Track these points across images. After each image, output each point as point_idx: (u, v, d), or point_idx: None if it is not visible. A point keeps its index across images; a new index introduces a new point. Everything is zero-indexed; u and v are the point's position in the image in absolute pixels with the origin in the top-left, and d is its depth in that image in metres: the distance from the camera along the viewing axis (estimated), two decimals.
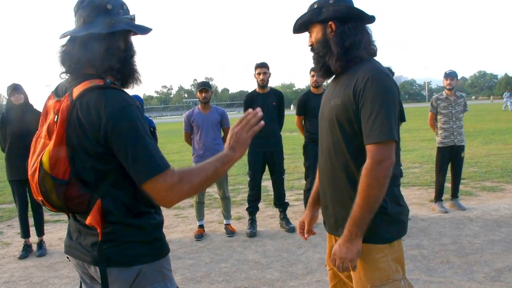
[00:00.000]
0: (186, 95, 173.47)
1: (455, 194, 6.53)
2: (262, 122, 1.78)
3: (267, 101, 5.77)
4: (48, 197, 1.61)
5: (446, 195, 6.63)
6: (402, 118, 5.56)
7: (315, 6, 2.03)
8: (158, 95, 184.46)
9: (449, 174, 6.54)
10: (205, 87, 5.77)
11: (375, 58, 2.06)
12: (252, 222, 5.85)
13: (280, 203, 6.04)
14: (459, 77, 6.61)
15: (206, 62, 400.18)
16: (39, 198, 1.64)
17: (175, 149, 17.95)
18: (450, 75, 6.37)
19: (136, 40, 1.84)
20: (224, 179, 5.89)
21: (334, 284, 2.29)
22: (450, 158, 6.43)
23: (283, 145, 6.07)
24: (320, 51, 2.04)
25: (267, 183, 7.58)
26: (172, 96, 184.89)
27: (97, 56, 1.65)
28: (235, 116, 46.36)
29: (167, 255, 1.77)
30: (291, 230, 5.70)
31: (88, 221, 1.59)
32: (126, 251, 1.65)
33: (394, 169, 1.88)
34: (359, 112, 1.90)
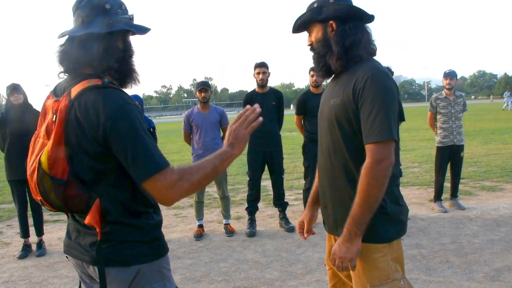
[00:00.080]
0: (185, 95, 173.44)
1: (454, 193, 6.53)
2: (261, 118, 1.78)
3: (267, 100, 5.77)
4: (47, 197, 1.60)
5: (446, 195, 6.63)
6: (401, 118, 5.56)
7: (315, 5, 2.03)
8: (158, 95, 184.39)
9: (448, 174, 6.54)
10: (204, 86, 5.77)
11: (374, 57, 2.06)
12: (252, 221, 5.85)
13: (280, 202, 6.04)
14: (458, 77, 6.61)
15: (205, 62, 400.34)
16: (38, 198, 1.63)
17: (174, 148, 17.95)
18: (450, 75, 6.37)
19: (136, 40, 1.84)
20: (223, 179, 5.89)
21: (334, 283, 2.29)
22: (449, 157, 6.43)
23: (282, 144, 6.07)
24: (321, 50, 2.04)
25: (266, 182, 7.58)
26: (171, 96, 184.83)
27: (95, 56, 1.65)
28: (234, 115, 46.35)
29: (166, 255, 1.77)
30: (291, 229, 5.70)
31: (87, 220, 1.59)
32: (124, 250, 1.65)
33: (394, 169, 1.88)
34: (358, 112, 1.89)
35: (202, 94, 5.75)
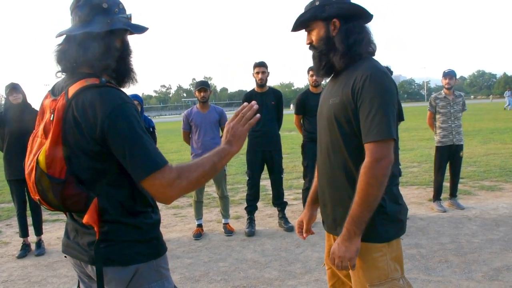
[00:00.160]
0: (185, 95, 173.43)
1: (453, 193, 6.53)
2: (258, 115, 1.78)
3: (266, 100, 5.77)
4: (45, 196, 1.60)
5: (445, 194, 6.63)
6: (400, 118, 5.56)
7: (317, 3, 2.02)
8: (157, 95, 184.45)
9: (447, 173, 6.54)
10: (203, 86, 5.76)
11: (373, 57, 2.06)
12: (251, 221, 5.85)
13: (279, 202, 6.04)
14: (458, 77, 6.61)
15: (205, 62, 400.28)
16: (36, 197, 1.63)
17: (174, 148, 17.95)
18: (449, 74, 6.37)
19: (135, 40, 1.84)
20: (222, 178, 5.89)
21: (333, 283, 2.29)
22: (448, 157, 6.43)
23: (281, 144, 6.06)
24: (323, 48, 2.03)
25: (265, 182, 7.58)
26: (171, 95, 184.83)
27: (93, 55, 1.65)
28: None
29: (164, 254, 1.77)
30: (290, 229, 5.70)
31: (85, 220, 1.59)
32: (122, 250, 1.65)
33: (393, 168, 1.88)
34: (357, 111, 1.89)
35: (201, 94, 5.75)
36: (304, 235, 2.39)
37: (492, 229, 5.34)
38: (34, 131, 1.72)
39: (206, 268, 4.58)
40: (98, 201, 1.60)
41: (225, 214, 5.90)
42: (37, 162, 1.57)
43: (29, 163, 1.64)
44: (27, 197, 5.31)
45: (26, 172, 1.65)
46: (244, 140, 1.78)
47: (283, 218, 5.95)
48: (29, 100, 5.29)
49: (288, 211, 6.29)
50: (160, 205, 1.72)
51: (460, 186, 7.00)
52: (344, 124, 1.96)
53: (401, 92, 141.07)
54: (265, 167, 5.98)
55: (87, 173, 1.61)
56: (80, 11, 1.67)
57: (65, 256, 1.82)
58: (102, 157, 1.58)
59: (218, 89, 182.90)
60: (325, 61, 2.04)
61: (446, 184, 6.61)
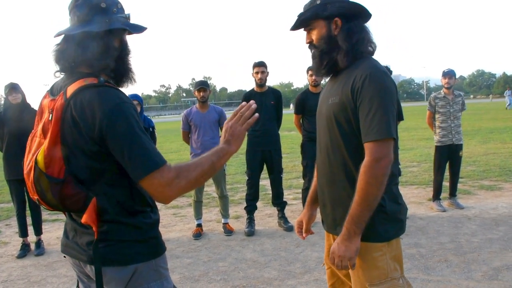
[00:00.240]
0: (184, 94, 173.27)
1: (453, 193, 6.54)
2: (257, 115, 1.78)
3: (265, 100, 5.77)
4: (44, 196, 1.60)
5: (444, 194, 6.63)
6: (400, 117, 5.56)
7: (318, 2, 2.01)
8: (157, 95, 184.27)
9: (447, 173, 6.54)
10: (203, 86, 5.76)
11: (373, 56, 2.06)
12: (250, 221, 5.85)
13: (278, 202, 6.04)
14: (457, 76, 6.61)
15: (204, 61, 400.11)
16: (35, 197, 1.63)
17: (173, 148, 17.95)
18: (448, 74, 6.37)
19: (135, 39, 1.84)
20: (222, 178, 5.89)
21: (332, 283, 2.29)
22: (448, 157, 6.43)
23: (281, 144, 6.06)
24: (325, 47, 2.02)
25: (265, 182, 7.58)
26: (170, 95, 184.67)
27: (91, 55, 1.65)
28: None
29: (163, 254, 1.77)
30: (289, 229, 5.70)
31: (83, 219, 1.59)
32: (121, 250, 1.64)
33: (392, 168, 1.88)
34: (357, 110, 1.89)
35: (201, 94, 5.74)
36: (304, 235, 2.39)
37: (492, 229, 5.35)
38: (33, 131, 1.72)
39: (206, 267, 4.58)
40: (97, 200, 1.60)
41: (225, 213, 5.90)
42: (36, 162, 1.57)
43: (27, 163, 1.64)
44: (26, 197, 5.31)
45: (25, 172, 1.64)
46: (243, 140, 1.78)
47: (282, 217, 5.95)
48: (28, 100, 5.29)
49: (287, 211, 6.29)
50: (159, 205, 1.72)
51: (459, 186, 7.00)
52: (343, 124, 1.96)
53: (400, 91, 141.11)
54: (265, 166, 5.98)
55: (86, 172, 1.61)
56: (79, 11, 1.67)
57: (64, 256, 1.82)
58: (101, 157, 1.58)
59: (218, 89, 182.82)
60: (326, 60, 2.03)
61: (446, 183, 6.61)
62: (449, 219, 5.87)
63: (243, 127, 1.76)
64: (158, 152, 1.58)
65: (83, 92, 1.58)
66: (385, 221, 1.95)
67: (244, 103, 1.80)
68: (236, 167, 11.22)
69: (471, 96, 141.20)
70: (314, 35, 2.06)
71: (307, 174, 6.06)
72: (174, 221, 6.58)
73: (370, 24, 2.08)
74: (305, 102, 6.01)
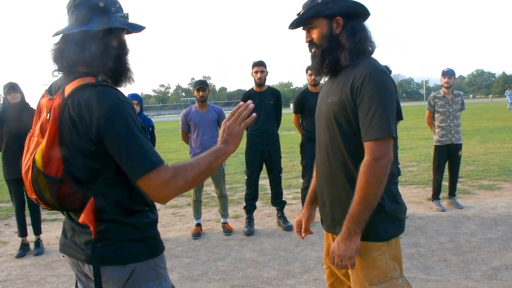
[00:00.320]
0: (183, 94, 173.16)
1: (452, 192, 6.54)
2: (254, 114, 1.78)
3: (265, 99, 5.77)
4: (42, 196, 1.60)
5: (444, 194, 6.63)
6: (399, 117, 5.56)
7: (319, 0, 2.01)
8: (156, 94, 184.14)
9: (446, 173, 6.54)
10: (202, 85, 5.76)
11: (372, 56, 2.06)
12: (250, 220, 5.85)
13: (278, 201, 6.04)
14: (456, 76, 6.61)
15: (203, 61, 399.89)
16: (33, 197, 1.63)
17: (173, 147, 17.94)
18: (448, 73, 6.37)
19: (134, 39, 1.84)
20: (221, 178, 5.89)
21: (331, 282, 2.29)
22: (447, 156, 6.43)
23: (280, 143, 6.06)
24: (327, 46, 2.02)
25: (264, 181, 7.58)
26: (169, 95, 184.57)
27: (89, 54, 1.65)
28: None
29: (161, 254, 1.77)
30: (289, 228, 5.70)
31: (81, 219, 1.59)
32: (119, 249, 1.64)
33: (392, 167, 1.88)
34: (356, 109, 1.89)
35: (200, 93, 5.74)
36: (303, 234, 2.39)
37: (491, 228, 5.35)
38: (31, 130, 1.72)
39: (205, 267, 4.58)
40: (95, 200, 1.60)
41: (224, 213, 5.90)
42: (34, 161, 1.57)
43: (25, 162, 1.63)
44: (25, 197, 5.31)
45: (23, 171, 1.64)
46: (241, 140, 1.78)
47: (282, 217, 5.95)
48: (28, 100, 5.29)
49: (287, 210, 6.28)
50: (158, 205, 1.72)
51: (459, 185, 7.00)
52: (343, 123, 1.96)
53: (400, 91, 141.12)
54: (264, 166, 5.98)
55: (84, 172, 1.60)
56: (77, 10, 1.67)
57: (63, 255, 1.82)
58: (99, 156, 1.58)
59: (217, 88, 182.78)
60: (328, 58, 2.03)
61: (445, 183, 6.61)
62: (448, 218, 5.88)
63: (240, 127, 1.76)
64: (156, 152, 1.58)
65: (81, 91, 1.57)
66: (385, 220, 1.95)
67: (241, 102, 1.80)
68: (235, 166, 11.22)
69: (471, 95, 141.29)
70: (315, 34, 2.05)
71: (306, 173, 6.06)
72: (173, 220, 6.58)
73: (369, 24, 2.08)
74: (305, 102, 6.01)
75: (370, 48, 2.04)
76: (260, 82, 5.77)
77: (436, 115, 6.43)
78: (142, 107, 5.47)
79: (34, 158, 1.57)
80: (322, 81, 5.93)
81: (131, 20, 1.79)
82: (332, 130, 2.01)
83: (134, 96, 5.32)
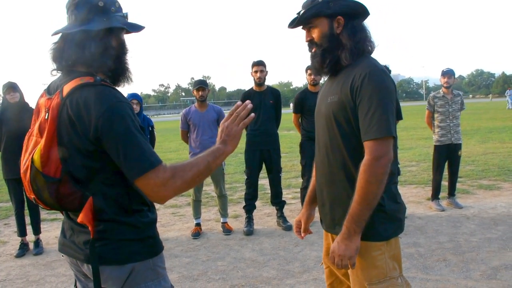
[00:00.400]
0: (183, 94, 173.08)
1: (452, 192, 6.54)
2: (253, 115, 1.78)
3: (264, 99, 5.77)
4: (40, 195, 1.60)
5: (443, 193, 6.64)
6: (399, 116, 5.56)
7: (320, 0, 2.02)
8: (156, 94, 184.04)
9: (446, 173, 6.54)
10: (201, 85, 5.76)
11: (371, 55, 2.06)
12: (249, 220, 5.85)
13: (277, 201, 6.04)
14: (456, 76, 6.61)
15: (203, 61, 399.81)
16: (32, 196, 1.63)
17: (172, 147, 17.93)
18: (448, 73, 6.37)
19: (134, 39, 1.84)
20: (221, 177, 5.89)
21: (331, 282, 2.29)
22: (447, 156, 6.43)
23: (280, 143, 6.06)
24: (328, 46, 2.01)
25: (264, 181, 7.58)
26: (169, 94, 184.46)
27: (88, 54, 1.64)
28: None
29: (161, 253, 1.76)
30: (288, 228, 5.70)
31: (79, 219, 1.58)
32: (118, 249, 1.64)
33: (391, 166, 1.88)
34: (356, 109, 1.89)
35: (200, 93, 5.74)
36: (302, 234, 2.39)
37: (490, 228, 5.35)
38: (29, 130, 1.71)
39: (205, 267, 4.58)
40: (94, 200, 1.60)
41: (224, 213, 5.90)
42: (32, 161, 1.56)
43: (24, 162, 1.63)
44: (25, 196, 5.30)
45: (22, 171, 1.64)
46: (239, 140, 1.78)
47: (281, 217, 5.95)
48: (27, 99, 5.29)
49: (286, 210, 6.28)
50: (158, 204, 1.71)
51: (458, 185, 7.00)
52: (342, 123, 1.96)
53: (399, 91, 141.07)
54: (264, 166, 5.98)
55: (82, 172, 1.60)
56: (77, 10, 1.66)
57: (62, 255, 1.81)
58: (97, 156, 1.57)
59: (217, 88, 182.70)
60: (329, 58, 2.02)
61: (445, 183, 6.61)
62: (448, 218, 5.88)
63: (239, 127, 1.76)
64: (154, 152, 1.58)
65: (79, 91, 1.57)
66: (384, 220, 1.95)
67: (239, 102, 1.80)
68: (235, 166, 11.22)
69: (470, 95, 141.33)
70: (315, 33, 2.05)
71: (305, 173, 6.06)
72: (173, 220, 6.58)
73: (369, 24, 2.08)
74: (304, 101, 6.01)
75: (369, 48, 2.04)
76: (260, 82, 5.77)
77: (436, 115, 6.42)
78: (142, 106, 5.46)
79: (32, 158, 1.57)
80: (321, 81, 5.93)
81: (131, 19, 1.79)
82: (331, 130, 2.01)
83: (134, 96, 5.32)
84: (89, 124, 1.52)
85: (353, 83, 1.89)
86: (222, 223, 5.89)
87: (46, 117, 1.59)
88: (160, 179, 1.52)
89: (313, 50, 2.08)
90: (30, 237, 5.49)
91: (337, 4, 1.98)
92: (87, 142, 1.55)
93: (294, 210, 6.72)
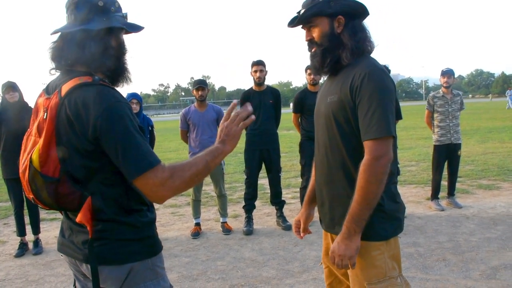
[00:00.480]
0: (183, 93, 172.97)
1: (451, 192, 6.54)
2: (253, 116, 1.78)
3: (264, 99, 5.77)
4: (39, 195, 1.60)
5: (443, 193, 6.64)
6: (398, 116, 5.56)
7: None
8: (155, 93, 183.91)
9: (445, 172, 6.54)
10: (201, 85, 5.76)
11: (371, 55, 2.06)
12: (249, 220, 5.85)
13: (277, 201, 6.04)
14: (456, 75, 6.62)
15: (203, 61, 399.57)
16: (30, 196, 1.63)
17: (172, 147, 17.92)
18: (447, 73, 6.37)
19: (134, 38, 1.84)
20: (220, 177, 5.89)
21: (330, 282, 2.29)
22: (446, 156, 6.43)
23: (279, 143, 6.06)
24: (328, 45, 2.01)
25: (263, 181, 7.58)
26: (169, 94, 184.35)
27: (87, 53, 1.64)
28: None
29: (160, 253, 1.76)
30: (288, 228, 5.70)
31: (78, 218, 1.58)
32: (117, 249, 1.64)
33: (391, 166, 1.88)
34: (356, 109, 1.89)
35: (199, 93, 5.74)
36: (302, 234, 2.39)
37: (490, 228, 5.35)
38: (28, 129, 1.71)
39: (204, 267, 4.58)
40: (92, 199, 1.60)
41: (223, 212, 5.90)
42: (31, 161, 1.56)
43: (23, 162, 1.63)
44: (24, 196, 5.28)
45: (20, 171, 1.64)
46: (238, 140, 1.78)
47: (281, 216, 5.95)
48: (27, 99, 5.29)
49: (286, 210, 6.28)
50: (157, 204, 1.71)
51: (458, 185, 7.01)
52: (342, 122, 1.96)
53: (399, 91, 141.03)
54: (263, 165, 5.98)
55: (81, 171, 1.60)
56: (76, 9, 1.66)
57: (61, 255, 1.81)
58: (96, 156, 1.57)
59: (216, 88, 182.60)
60: (329, 57, 2.02)
61: (444, 183, 6.62)
62: (448, 218, 5.88)
63: (239, 127, 1.76)
64: (152, 151, 1.58)
65: (78, 90, 1.57)
66: (384, 219, 1.95)
67: (235, 101, 1.80)
68: (234, 166, 11.22)
69: (470, 95, 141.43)
70: (316, 33, 2.04)
71: (305, 173, 6.06)
72: (172, 220, 6.58)
73: (368, 24, 2.08)
74: (304, 101, 6.01)
75: (369, 48, 2.04)
76: (260, 82, 5.77)
77: (435, 115, 6.43)
78: (142, 106, 5.47)
79: (31, 157, 1.57)
80: (321, 81, 5.93)
81: (130, 20, 1.79)
82: (331, 130, 2.01)
83: (134, 95, 5.32)
84: (88, 124, 1.52)
85: (353, 83, 1.89)
86: (222, 222, 5.89)
87: (45, 117, 1.59)
88: (159, 179, 1.52)
89: (313, 50, 2.08)
90: (30, 236, 5.49)
91: (338, 4, 1.98)
92: (85, 142, 1.55)
93: (294, 209, 6.72)
